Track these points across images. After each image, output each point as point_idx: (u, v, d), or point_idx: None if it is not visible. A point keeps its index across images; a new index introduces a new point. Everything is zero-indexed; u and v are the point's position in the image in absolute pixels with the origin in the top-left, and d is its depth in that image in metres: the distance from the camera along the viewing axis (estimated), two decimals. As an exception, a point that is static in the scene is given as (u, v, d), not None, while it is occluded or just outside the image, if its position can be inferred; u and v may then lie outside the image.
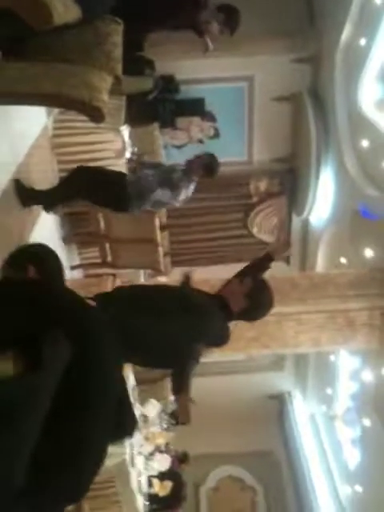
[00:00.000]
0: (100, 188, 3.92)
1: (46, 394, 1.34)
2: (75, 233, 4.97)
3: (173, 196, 3.92)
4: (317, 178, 6.34)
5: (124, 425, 2.17)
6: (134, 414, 2.29)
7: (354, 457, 5.87)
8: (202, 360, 2.59)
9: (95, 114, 2.33)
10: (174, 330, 2.36)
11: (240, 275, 2.67)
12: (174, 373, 2.52)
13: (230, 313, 2.44)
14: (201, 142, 6.19)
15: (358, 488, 5.65)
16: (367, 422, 5.31)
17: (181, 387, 2.95)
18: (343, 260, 5.76)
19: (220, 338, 2.53)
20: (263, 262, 2.98)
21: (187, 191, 3.96)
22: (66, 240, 4.85)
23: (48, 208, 4.02)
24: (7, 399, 1.23)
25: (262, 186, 6.83)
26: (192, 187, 3.98)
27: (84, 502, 4.00)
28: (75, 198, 4.12)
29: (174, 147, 6.31)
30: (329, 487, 6.59)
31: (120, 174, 4.20)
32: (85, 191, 3.96)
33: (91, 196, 4.03)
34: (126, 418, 2.24)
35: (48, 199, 3.90)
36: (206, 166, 3.86)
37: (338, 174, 5.94)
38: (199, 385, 3.56)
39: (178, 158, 5.00)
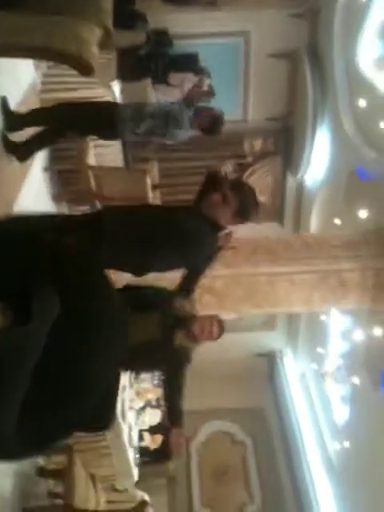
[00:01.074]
0: (87, 114, 3.67)
1: (34, 348, 1.35)
2: (65, 191, 4.92)
3: (167, 130, 3.71)
4: (312, 137, 6.27)
5: (103, 417, 2.23)
6: (114, 411, 2.33)
7: (342, 414, 6.00)
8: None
9: (84, 67, 2.27)
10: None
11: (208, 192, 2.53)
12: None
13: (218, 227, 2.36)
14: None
15: (347, 444, 5.80)
16: (356, 380, 5.40)
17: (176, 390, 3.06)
18: (337, 221, 5.75)
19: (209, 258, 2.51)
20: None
21: (185, 132, 3.77)
22: (57, 198, 4.80)
23: (33, 147, 3.78)
24: None
25: (257, 145, 6.75)
26: (190, 133, 3.80)
27: (75, 456, 4.10)
28: (59, 132, 3.84)
29: (167, 103, 6.19)
30: (318, 442, 6.76)
31: (109, 101, 4.05)
32: (69, 120, 3.70)
33: (77, 124, 3.75)
34: (108, 410, 2.29)
35: (33, 142, 3.69)
36: (214, 119, 3.66)
37: (335, 134, 5.86)
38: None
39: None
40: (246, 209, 2.40)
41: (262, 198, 7.05)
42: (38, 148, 3.88)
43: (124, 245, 2.22)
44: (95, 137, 4.13)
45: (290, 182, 7.02)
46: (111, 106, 3.80)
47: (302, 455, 6.98)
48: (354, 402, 5.63)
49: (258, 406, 8.02)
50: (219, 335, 3.21)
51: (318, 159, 6.30)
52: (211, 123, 3.68)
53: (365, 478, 5.13)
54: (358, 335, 5.20)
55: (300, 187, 6.95)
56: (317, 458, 6.68)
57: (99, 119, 3.66)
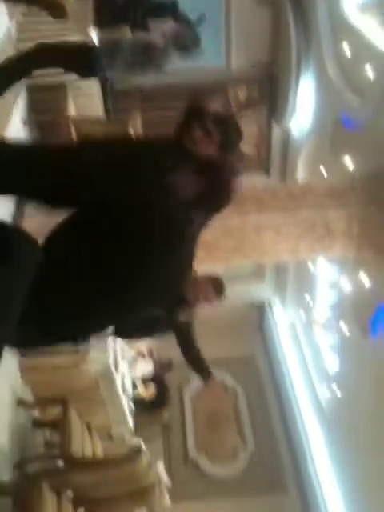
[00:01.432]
0: (62, 49, 3.43)
1: (16, 286, 1.38)
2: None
3: (149, 60, 3.64)
4: (297, 85, 6.18)
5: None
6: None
7: (332, 361, 6.15)
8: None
9: (57, 9, 2.21)
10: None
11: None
12: None
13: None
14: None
15: (336, 389, 5.96)
16: (345, 328, 5.52)
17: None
18: (324, 170, 5.74)
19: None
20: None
21: (167, 59, 3.70)
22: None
23: None
24: None
25: (241, 94, 6.65)
26: (172, 58, 3.73)
27: (70, 406, 4.20)
28: (31, 65, 3.52)
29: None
30: (308, 389, 6.95)
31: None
32: (43, 56, 3.42)
33: (50, 59, 3.47)
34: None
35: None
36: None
37: (319, 81, 5.78)
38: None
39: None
40: (231, 143, 2.30)
41: (247, 149, 7.00)
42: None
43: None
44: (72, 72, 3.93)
45: (276, 131, 6.96)
46: (87, 43, 3.66)
47: (293, 402, 7.18)
48: (343, 348, 5.76)
49: (249, 354, 8.19)
50: (219, 295, 3.22)
51: (303, 107, 6.23)
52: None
53: (354, 422, 5.30)
54: (346, 284, 5.28)
55: (286, 136, 6.89)
56: (307, 405, 6.88)
57: (75, 57, 3.46)
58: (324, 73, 5.45)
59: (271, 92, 6.71)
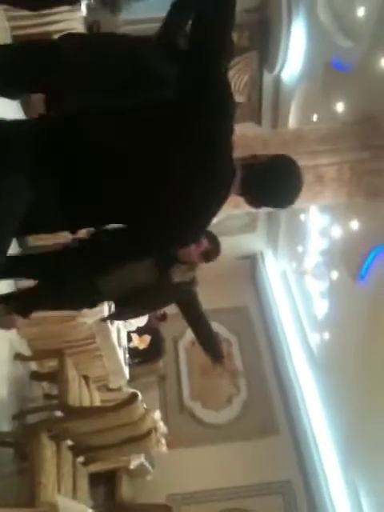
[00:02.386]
0: None
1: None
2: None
3: None
4: (288, 30, 6.02)
5: None
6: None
7: (322, 307, 6.24)
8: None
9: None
10: None
11: None
12: None
13: None
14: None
15: (326, 335, 6.07)
16: (335, 275, 5.58)
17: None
18: (316, 117, 5.65)
19: None
20: None
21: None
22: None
23: None
24: None
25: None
26: None
27: (67, 359, 4.26)
28: None
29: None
30: (299, 336, 7.07)
31: None
32: None
33: None
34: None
35: None
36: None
37: (310, 24, 5.62)
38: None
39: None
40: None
41: (239, 98, 6.87)
42: None
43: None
44: None
45: (267, 78, 6.82)
46: None
47: (284, 348, 7.33)
48: (333, 295, 5.84)
49: (242, 305, 8.29)
50: (212, 250, 3.07)
51: (295, 53, 6.08)
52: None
53: (343, 365, 5.43)
54: (336, 231, 5.29)
55: (277, 83, 6.75)
56: (299, 350, 7.02)
57: None
58: (315, 16, 5.29)
59: (262, 38, 6.53)
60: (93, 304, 2.89)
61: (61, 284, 2.32)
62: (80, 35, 2.89)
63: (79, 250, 2.24)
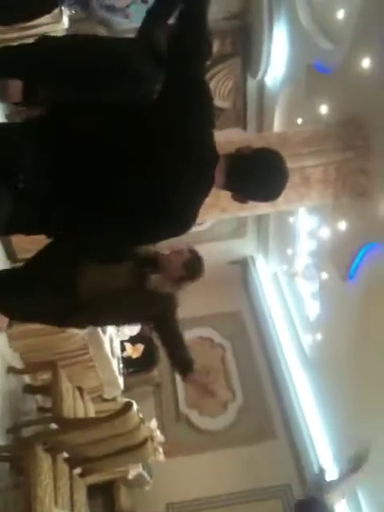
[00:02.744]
0: None
1: None
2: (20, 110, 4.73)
3: None
4: (270, 34, 6.06)
5: None
6: None
7: (314, 309, 6.26)
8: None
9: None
10: None
11: None
12: None
13: None
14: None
15: (319, 335, 6.09)
16: (325, 275, 5.60)
17: None
18: (300, 120, 5.69)
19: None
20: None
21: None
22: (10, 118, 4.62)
23: None
24: None
25: (215, 47, 6.50)
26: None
27: (60, 371, 4.24)
28: None
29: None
30: (292, 338, 7.09)
31: None
32: None
33: None
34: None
35: None
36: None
37: (292, 28, 5.67)
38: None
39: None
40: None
41: (223, 104, 6.91)
42: None
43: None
44: None
45: (251, 84, 6.85)
46: None
47: (278, 351, 7.33)
48: (324, 296, 5.86)
49: (235, 310, 8.29)
50: (192, 262, 2.85)
51: (277, 57, 6.13)
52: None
53: (337, 366, 5.45)
54: (324, 232, 5.32)
55: (261, 88, 6.80)
56: (292, 352, 7.03)
57: None
58: (296, 20, 5.34)
59: (245, 43, 6.57)
60: (71, 303, 2.80)
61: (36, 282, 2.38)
62: (60, 36, 2.96)
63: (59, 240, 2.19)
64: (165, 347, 3.05)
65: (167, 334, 3.00)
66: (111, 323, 4.05)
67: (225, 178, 1.90)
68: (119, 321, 3.41)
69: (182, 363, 3.00)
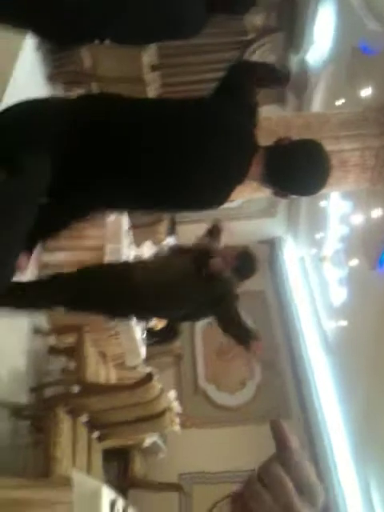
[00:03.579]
0: None
1: (28, 196, 1.40)
2: (59, 71, 4.74)
3: None
4: (316, 11, 5.92)
5: None
6: None
7: (339, 295, 6.21)
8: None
9: None
10: None
11: None
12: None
13: None
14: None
15: (342, 322, 6.05)
16: (354, 262, 5.53)
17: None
18: (340, 101, 5.57)
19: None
20: None
21: None
22: (51, 78, 4.63)
23: None
24: None
25: (259, 20, 6.38)
26: None
27: (85, 335, 4.31)
28: None
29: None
30: (314, 322, 7.06)
31: None
32: None
33: None
34: None
35: None
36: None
37: (339, 6, 5.51)
38: (196, 232, 3.65)
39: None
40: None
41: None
42: None
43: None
44: None
45: (292, 61, 6.73)
46: None
47: (299, 334, 7.33)
48: (351, 282, 5.81)
49: (259, 289, 8.26)
50: (244, 259, 3.04)
51: (322, 35, 5.99)
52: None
53: (357, 353, 5.42)
54: (357, 218, 5.24)
55: (302, 66, 6.66)
56: (313, 336, 7.02)
57: None
58: (344, -3, 5.20)
59: (290, 18, 6.43)
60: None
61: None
62: None
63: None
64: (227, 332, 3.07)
65: (228, 319, 3.07)
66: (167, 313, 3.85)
67: (263, 168, 1.84)
68: (175, 309, 3.31)
69: (246, 339, 3.05)
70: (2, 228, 1.30)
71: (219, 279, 2.93)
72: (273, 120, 4.11)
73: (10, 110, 1.76)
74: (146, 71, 4.56)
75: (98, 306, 2.99)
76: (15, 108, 1.76)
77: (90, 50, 4.40)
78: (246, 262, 2.99)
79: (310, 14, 5.94)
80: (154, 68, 5.17)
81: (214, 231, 3.34)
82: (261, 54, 6.57)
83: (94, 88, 4.66)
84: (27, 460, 3.52)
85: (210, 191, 1.82)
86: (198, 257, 2.96)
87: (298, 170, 1.84)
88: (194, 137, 1.77)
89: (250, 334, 3.05)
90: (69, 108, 1.81)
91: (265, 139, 4.16)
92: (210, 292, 2.95)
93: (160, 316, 3.81)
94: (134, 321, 4.39)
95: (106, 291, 2.83)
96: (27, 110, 1.76)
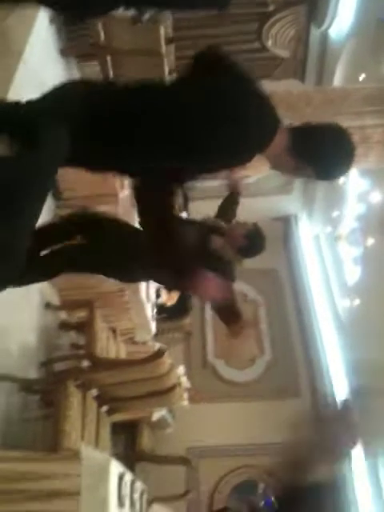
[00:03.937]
0: None
1: (46, 171, 1.34)
2: (73, 45, 4.63)
3: None
4: (340, -18, 5.70)
5: None
6: None
7: (354, 274, 6.14)
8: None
9: None
10: None
11: None
12: None
13: None
14: None
15: (356, 301, 5.99)
16: (370, 241, 5.44)
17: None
18: (362, 77, 5.41)
19: None
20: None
21: None
22: (64, 52, 4.53)
23: None
24: (6, 178, 1.22)
25: (280, -10, 6.17)
26: None
27: (96, 310, 4.29)
28: None
29: None
30: (327, 301, 7.01)
31: None
32: None
33: None
34: None
35: None
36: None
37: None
38: (210, 209, 3.58)
39: None
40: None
41: (283, 52, 6.61)
42: None
43: None
44: None
45: (314, 34, 6.51)
46: None
47: (311, 312, 7.28)
48: (367, 261, 5.72)
49: (272, 267, 8.20)
50: (253, 238, 3.02)
51: (345, 8, 5.78)
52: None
53: (371, 332, 5.36)
54: (375, 197, 5.14)
55: (324, 40, 6.44)
56: (326, 315, 6.97)
57: None
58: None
59: (312, -10, 6.20)
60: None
61: None
62: None
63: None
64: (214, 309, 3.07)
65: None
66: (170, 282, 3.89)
67: (289, 141, 1.85)
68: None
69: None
70: (6, 203, 1.25)
71: (219, 257, 2.90)
72: (293, 94, 3.98)
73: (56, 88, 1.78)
74: (163, 44, 4.43)
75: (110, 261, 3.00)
76: (59, 86, 1.78)
77: (104, 22, 4.29)
78: (254, 241, 2.97)
79: (334, -16, 5.73)
80: (169, 40, 5.04)
81: (233, 198, 3.40)
82: (281, 26, 6.37)
83: (109, 61, 4.56)
84: (36, 434, 3.53)
85: (235, 142, 1.89)
86: (205, 232, 2.93)
87: (324, 146, 1.82)
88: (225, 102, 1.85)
89: (237, 318, 3.00)
90: (104, 89, 1.88)
91: (285, 113, 4.06)
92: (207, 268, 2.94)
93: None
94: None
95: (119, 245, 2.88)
96: (63, 87, 1.78)
